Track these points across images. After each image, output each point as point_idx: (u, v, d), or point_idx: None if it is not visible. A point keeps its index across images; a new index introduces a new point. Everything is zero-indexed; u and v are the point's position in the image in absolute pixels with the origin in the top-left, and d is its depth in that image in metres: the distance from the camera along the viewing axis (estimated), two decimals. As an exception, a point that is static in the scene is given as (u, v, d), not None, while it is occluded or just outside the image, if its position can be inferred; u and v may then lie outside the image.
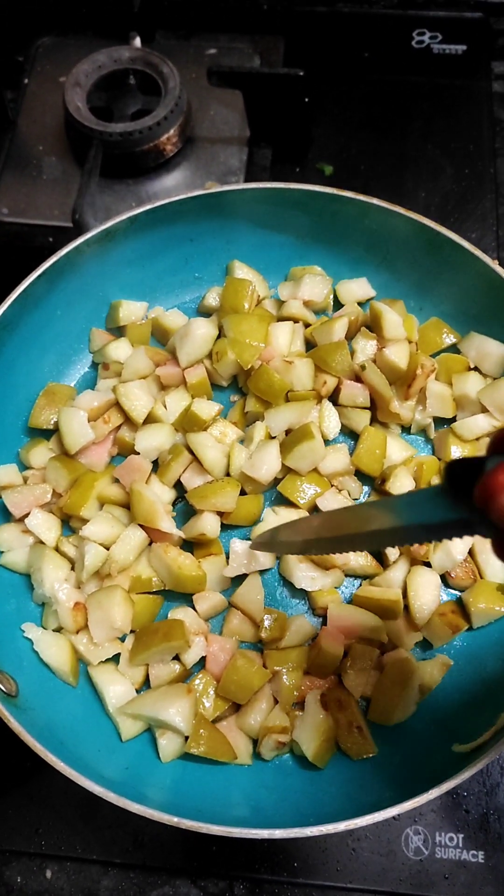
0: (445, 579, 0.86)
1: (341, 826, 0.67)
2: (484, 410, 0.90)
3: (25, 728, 0.70)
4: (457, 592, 0.87)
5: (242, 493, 0.87)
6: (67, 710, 0.79)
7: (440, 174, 1.24)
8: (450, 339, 0.95)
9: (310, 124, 1.21)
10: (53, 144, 1.21)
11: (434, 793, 0.68)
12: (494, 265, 0.90)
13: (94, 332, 0.97)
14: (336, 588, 0.85)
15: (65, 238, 1.13)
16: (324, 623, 0.83)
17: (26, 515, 0.86)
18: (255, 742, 0.79)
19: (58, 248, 0.90)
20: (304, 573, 0.84)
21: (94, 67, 1.19)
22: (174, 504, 0.90)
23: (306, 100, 1.15)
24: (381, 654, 0.81)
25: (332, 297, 0.99)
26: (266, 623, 0.81)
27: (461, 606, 0.84)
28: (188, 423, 0.89)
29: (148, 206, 0.91)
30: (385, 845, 0.84)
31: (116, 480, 0.88)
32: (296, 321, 0.96)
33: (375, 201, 0.93)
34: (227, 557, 0.85)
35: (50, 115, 1.23)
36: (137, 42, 1.23)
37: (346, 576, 0.87)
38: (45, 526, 0.85)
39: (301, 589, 0.86)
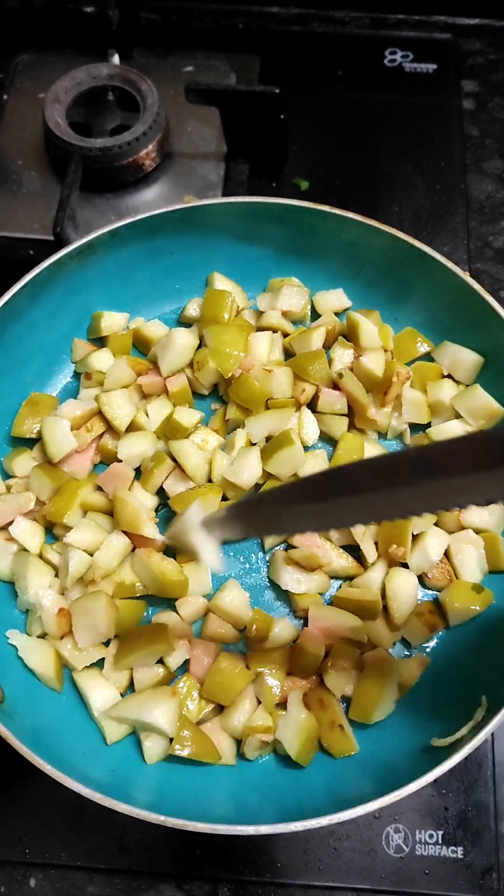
0: (422, 580, 0.88)
1: (324, 821, 0.68)
2: (457, 416, 0.93)
3: (13, 733, 0.71)
4: (433, 592, 0.89)
5: (224, 498, 0.89)
6: (53, 714, 0.80)
7: (413, 189, 1.27)
8: (424, 347, 0.98)
9: (286, 140, 1.24)
10: (33, 159, 1.23)
11: (413, 786, 0.69)
12: (466, 277, 0.93)
13: (76, 343, 0.99)
14: (320, 592, 0.87)
15: (45, 251, 1.14)
16: (305, 625, 0.85)
17: (10, 523, 0.87)
18: (239, 742, 0.81)
19: (39, 261, 0.91)
20: (290, 575, 0.85)
21: (74, 84, 1.21)
22: (157, 510, 0.92)
23: (282, 116, 1.18)
24: (360, 653, 0.83)
25: (309, 307, 1.02)
26: (253, 624, 0.82)
27: (438, 606, 0.86)
28: (170, 431, 0.91)
29: (129, 220, 0.93)
30: (366, 844, 0.85)
31: (99, 488, 0.90)
32: (274, 331, 0.98)
33: (351, 215, 0.96)
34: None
35: (29, 131, 1.25)
36: (116, 59, 1.25)
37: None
38: (29, 533, 0.86)
39: (284, 592, 0.87)
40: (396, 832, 0.87)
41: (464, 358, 0.94)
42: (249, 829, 0.68)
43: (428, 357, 0.98)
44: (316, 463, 0.90)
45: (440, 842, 0.86)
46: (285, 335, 0.99)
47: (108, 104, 1.22)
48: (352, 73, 1.38)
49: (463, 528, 0.88)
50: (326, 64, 1.38)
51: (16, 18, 1.39)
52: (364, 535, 0.86)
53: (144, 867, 0.85)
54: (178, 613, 0.85)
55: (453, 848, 0.86)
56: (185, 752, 0.76)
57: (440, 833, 0.86)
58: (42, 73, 1.30)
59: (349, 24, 1.43)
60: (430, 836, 0.86)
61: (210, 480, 0.90)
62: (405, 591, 0.83)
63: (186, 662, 0.83)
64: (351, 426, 0.95)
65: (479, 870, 0.84)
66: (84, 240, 0.91)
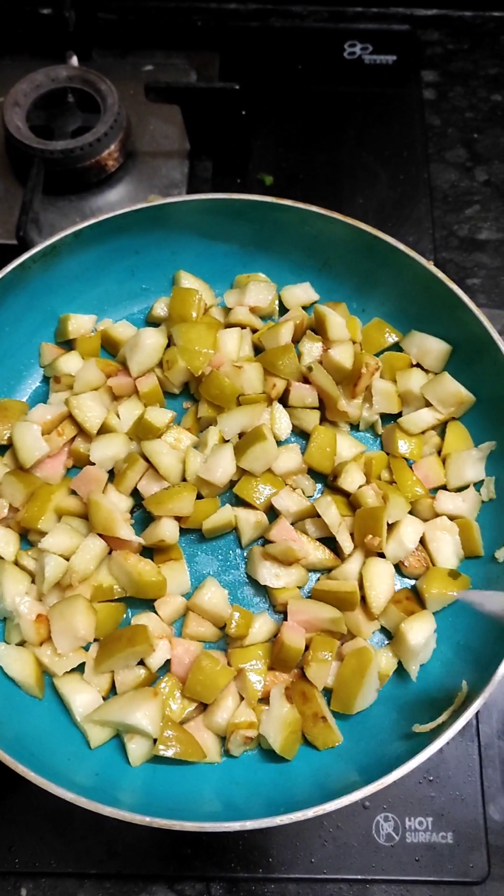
0: (399, 568, 0.88)
1: (310, 812, 0.69)
2: (428, 404, 0.93)
3: (-5, 742, 0.70)
4: (410, 581, 0.89)
5: (199, 497, 0.89)
6: (35, 722, 0.80)
7: (376, 181, 1.28)
8: (392, 338, 0.98)
9: (248, 136, 1.24)
10: (-6, 164, 1.22)
11: (397, 773, 0.70)
12: (430, 266, 0.94)
13: (43, 347, 0.98)
14: (299, 586, 0.87)
15: (9, 256, 1.13)
16: (285, 619, 0.85)
17: (-17, 531, 0.86)
18: (224, 739, 0.81)
19: (1, 266, 0.91)
20: (268, 570, 0.85)
21: (33, 87, 1.20)
22: (132, 512, 0.91)
23: (243, 113, 1.18)
24: (340, 644, 0.83)
25: (277, 302, 1.02)
26: (233, 621, 0.82)
27: (415, 593, 0.87)
28: (142, 432, 0.90)
29: (92, 221, 0.92)
30: (357, 834, 0.86)
31: (73, 492, 0.89)
32: (243, 327, 0.98)
33: (314, 208, 0.96)
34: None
35: (-11, 136, 1.23)
36: (74, 61, 1.24)
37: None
38: (4, 541, 0.86)
39: (262, 587, 0.88)
40: (386, 821, 0.87)
41: (431, 346, 0.95)
42: (235, 825, 0.68)
43: (396, 347, 0.99)
44: (289, 457, 0.90)
45: (430, 828, 0.87)
46: (254, 331, 0.99)
47: (68, 106, 1.21)
48: (312, 67, 1.38)
49: (437, 515, 0.89)
50: (286, 59, 1.38)
51: (-29, 22, 1.38)
52: (340, 526, 0.86)
53: (135, 870, 0.85)
54: (157, 614, 0.85)
55: (443, 834, 0.86)
56: (169, 753, 0.76)
57: (430, 820, 0.87)
58: (0, 78, 1.29)
59: (307, 17, 1.43)
60: (420, 823, 0.87)
61: (184, 479, 0.89)
62: (382, 580, 0.84)
63: (168, 663, 0.83)
64: (323, 419, 0.95)
65: (469, 854, 0.85)
66: (47, 242, 0.90)
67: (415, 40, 1.41)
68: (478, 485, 0.91)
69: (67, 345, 0.99)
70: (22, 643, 0.83)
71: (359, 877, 0.85)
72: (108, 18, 1.40)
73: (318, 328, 0.98)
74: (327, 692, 0.83)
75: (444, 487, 0.91)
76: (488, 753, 0.89)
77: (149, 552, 0.89)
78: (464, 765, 0.88)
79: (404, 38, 1.41)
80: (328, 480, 0.92)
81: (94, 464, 0.89)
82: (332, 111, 1.33)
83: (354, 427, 0.97)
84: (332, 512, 0.85)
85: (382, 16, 1.43)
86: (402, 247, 0.94)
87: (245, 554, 0.91)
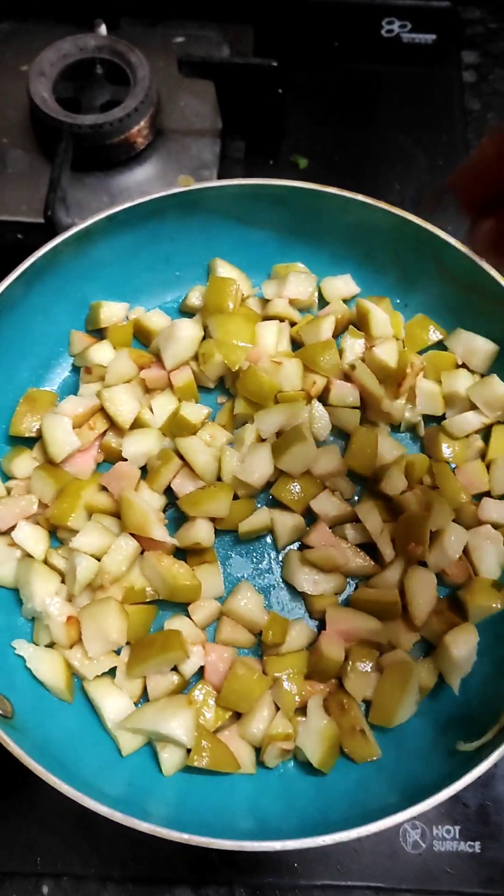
0: (440, 576, 0.86)
1: (353, 834, 0.67)
2: (473, 407, 0.90)
3: (25, 751, 0.68)
4: (448, 588, 0.87)
5: (235, 497, 0.86)
6: (64, 727, 0.77)
7: (413, 165, 1.23)
8: (436, 335, 0.94)
9: (283, 116, 1.19)
10: (18, 137, 1.17)
11: (441, 796, 0.68)
12: (479, 260, 0.90)
13: (74, 335, 0.94)
14: (337, 593, 0.84)
15: (36, 234, 1.10)
16: (322, 627, 0.83)
17: (12, 528, 0.83)
18: (258, 750, 0.79)
19: (28, 245, 0.87)
20: (307, 577, 0.83)
21: (59, 56, 1.14)
22: (164, 510, 0.88)
23: (280, 91, 1.13)
24: (379, 655, 0.81)
25: (316, 294, 0.98)
26: (270, 629, 0.79)
27: (455, 602, 0.85)
28: (177, 428, 0.87)
29: (127, 205, 0.88)
30: (384, 841, 0.84)
31: (104, 488, 0.86)
32: (282, 320, 0.94)
33: (357, 196, 0.92)
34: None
35: (13, 107, 1.18)
36: (103, 29, 1.19)
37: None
38: (33, 539, 0.83)
39: (298, 592, 0.85)
40: (413, 828, 0.86)
41: (478, 346, 0.91)
42: (276, 845, 0.66)
43: (440, 345, 0.95)
44: (329, 458, 0.87)
45: (458, 837, 0.85)
46: (292, 324, 0.96)
47: (97, 78, 1.16)
48: (349, 44, 1.32)
49: (481, 523, 0.86)
50: (322, 34, 1.32)
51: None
52: (382, 532, 0.83)
53: (159, 873, 0.83)
54: (190, 618, 0.82)
55: (471, 843, 0.85)
56: (203, 763, 0.74)
57: (457, 828, 0.85)
58: (23, 44, 1.23)
59: (344, -9, 1.37)
60: (448, 832, 0.86)
61: (219, 478, 0.86)
62: (425, 590, 0.81)
63: (201, 669, 0.81)
64: (363, 419, 0.91)
65: (499, 865, 0.84)
66: (80, 226, 0.86)
67: (455, 18, 1.36)
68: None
69: (98, 333, 0.95)
70: (51, 645, 0.81)
71: (384, 885, 0.83)
72: (137, -16, 1.34)
73: (360, 324, 0.94)
74: (365, 703, 0.81)
75: (488, 494, 0.88)
76: (518, 762, 0.88)
77: (181, 553, 0.86)
78: (495, 774, 0.86)
79: (445, 16, 1.35)
80: (368, 483, 0.89)
81: (125, 460, 0.86)
82: (369, 91, 1.28)
83: (395, 428, 0.94)
84: (374, 518, 0.82)
85: (422, -10, 1.37)
86: (451, 239, 0.90)
87: (281, 557, 0.88)
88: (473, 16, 1.38)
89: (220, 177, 1.16)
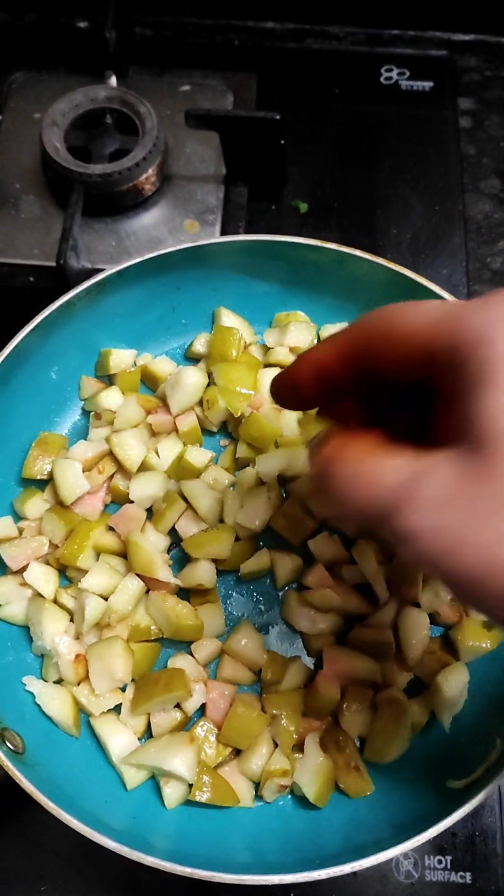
0: (432, 616, 0.89)
1: (347, 868, 0.70)
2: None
3: (36, 786, 0.71)
4: (440, 628, 0.90)
5: (237, 538, 0.89)
6: (71, 761, 0.81)
7: (410, 211, 1.27)
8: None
9: (285, 164, 1.23)
10: (30, 182, 1.21)
11: (432, 832, 0.71)
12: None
13: (84, 381, 0.98)
14: (333, 632, 0.88)
15: (46, 277, 1.14)
16: (318, 664, 0.86)
17: (24, 568, 0.87)
18: (257, 784, 0.82)
19: (38, 287, 0.90)
20: (305, 616, 0.86)
21: (71, 107, 1.19)
22: (169, 550, 0.92)
23: (282, 142, 1.17)
24: (374, 693, 0.85)
25: (316, 342, 1.02)
26: (269, 668, 0.83)
27: (446, 641, 0.88)
28: (182, 472, 0.91)
29: (137, 259, 0.92)
30: (377, 870, 0.87)
31: (111, 528, 0.90)
32: (282, 367, 0.98)
33: (352, 251, 0.96)
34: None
35: (26, 153, 1.23)
36: (113, 81, 1.24)
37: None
38: (44, 579, 0.86)
39: (296, 632, 0.88)
40: (406, 858, 0.89)
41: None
42: (274, 879, 0.69)
43: (434, 391, 0.99)
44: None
45: (448, 867, 0.88)
46: (293, 370, 1.00)
47: (106, 127, 1.20)
48: (348, 91, 1.37)
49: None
50: (323, 81, 1.37)
51: (7, 33, 1.37)
52: (377, 574, 0.87)
53: (160, 898, 0.86)
54: (193, 656, 0.86)
55: (462, 873, 0.88)
56: (204, 798, 0.77)
57: (448, 859, 0.88)
58: (37, 93, 1.28)
59: (344, 39, 1.42)
60: (439, 862, 0.89)
61: (222, 520, 0.90)
62: (418, 630, 0.85)
63: (202, 705, 0.84)
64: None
65: (489, 895, 0.87)
66: (94, 280, 0.90)
67: (452, 66, 1.41)
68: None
69: (107, 378, 0.99)
70: (59, 681, 0.84)
71: (379, 913, 0.86)
72: (144, 34, 1.39)
73: (357, 371, 0.98)
74: (359, 740, 0.84)
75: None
76: (509, 794, 0.91)
77: (184, 592, 0.89)
78: (484, 805, 0.89)
79: (441, 64, 1.40)
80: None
81: (132, 501, 0.90)
82: (368, 137, 1.33)
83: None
84: (369, 560, 0.86)
85: (419, 39, 1.42)
86: (444, 293, 0.94)
87: (280, 595, 0.92)
88: (469, 63, 1.42)
89: (224, 221, 1.20)
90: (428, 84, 1.39)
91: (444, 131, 1.35)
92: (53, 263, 1.05)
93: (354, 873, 0.87)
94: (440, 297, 0.95)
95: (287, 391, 0.61)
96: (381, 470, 0.47)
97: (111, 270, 0.91)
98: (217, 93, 1.31)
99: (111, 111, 1.21)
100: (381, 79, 1.38)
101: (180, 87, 1.31)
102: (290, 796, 0.82)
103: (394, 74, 1.39)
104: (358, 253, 0.96)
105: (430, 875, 0.88)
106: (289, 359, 0.98)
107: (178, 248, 0.93)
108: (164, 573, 0.85)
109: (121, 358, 0.98)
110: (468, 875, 0.88)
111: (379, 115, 1.35)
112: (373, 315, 0.53)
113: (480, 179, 1.32)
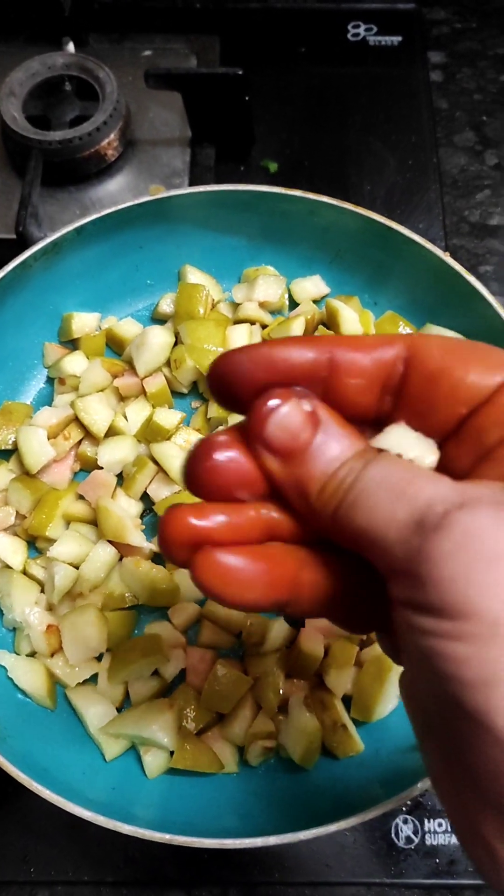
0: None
1: (333, 827, 0.67)
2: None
3: (7, 758, 0.69)
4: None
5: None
6: (47, 734, 0.78)
7: (384, 166, 1.24)
8: (406, 331, 0.95)
9: (251, 122, 1.20)
10: (-10, 156, 1.18)
11: (420, 787, 0.68)
12: (444, 256, 0.91)
13: (47, 347, 0.95)
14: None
15: (7, 250, 1.10)
16: (302, 625, 0.83)
17: (-10, 540, 0.84)
18: (241, 749, 0.79)
19: (0, 262, 0.88)
20: None
21: (29, 75, 1.16)
22: (142, 516, 0.89)
23: (247, 98, 1.14)
24: (359, 650, 0.82)
25: (287, 296, 0.99)
26: (249, 629, 0.80)
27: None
28: (151, 434, 0.88)
29: (94, 216, 0.89)
30: (376, 838, 0.85)
31: (81, 497, 0.87)
32: (252, 323, 0.95)
33: (324, 199, 0.93)
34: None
35: (-16, 126, 1.20)
36: (71, 47, 1.20)
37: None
38: (11, 550, 0.83)
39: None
40: (405, 823, 0.86)
41: (447, 340, 0.92)
42: (258, 842, 0.66)
43: (410, 341, 0.96)
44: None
45: (449, 830, 0.86)
46: (263, 327, 0.97)
47: (66, 94, 1.17)
48: (315, 50, 1.34)
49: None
50: (288, 41, 1.34)
51: (-38, 7, 1.34)
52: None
53: (152, 877, 0.84)
54: (170, 622, 0.83)
55: (462, 836, 0.85)
56: (186, 765, 0.75)
57: (449, 822, 0.86)
58: (-6, 64, 1.25)
59: (309, -2, 1.38)
60: (440, 825, 0.86)
61: (195, 482, 0.87)
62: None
63: (182, 671, 0.81)
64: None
65: (490, 857, 0.84)
66: (48, 239, 0.87)
67: (420, 20, 1.37)
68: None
69: (71, 344, 0.96)
70: (32, 654, 0.81)
71: (377, 880, 0.84)
72: (103, 1, 1.35)
73: (329, 323, 0.95)
74: (346, 699, 0.81)
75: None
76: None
77: (160, 557, 0.86)
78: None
79: (410, 18, 1.37)
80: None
81: (101, 468, 0.87)
82: (337, 95, 1.29)
83: (368, 424, 0.94)
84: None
85: (387, -6, 1.39)
86: (415, 237, 0.91)
87: (258, 557, 0.89)
88: (439, 16, 1.39)
89: (191, 184, 1.17)
90: (396, 39, 1.35)
91: (415, 86, 1.32)
92: (14, 236, 1.02)
93: (353, 839, 0.84)
94: (414, 243, 0.92)
95: None
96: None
97: (67, 228, 0.88)
98: (180, 56, 1.28)
99: (70, 78, 1.18)
100: (349, 35, 1.35)
101: (142, 53, 1.28)
102: (274, 759, 0.79)
103: (361, 31, 1.35)
104: (330, 200, 0.92)
105: (430, 839, 0.85)
106: (258, 314, 0.95)
107: (139, 201, 0.89)
108: (137, 538, 0.82)
109: (84, 321, 0.95)
110: (469, 837, 0.85)
111: (347, 73, 1.32)
112: None
113: (454, 133, 1.29)
